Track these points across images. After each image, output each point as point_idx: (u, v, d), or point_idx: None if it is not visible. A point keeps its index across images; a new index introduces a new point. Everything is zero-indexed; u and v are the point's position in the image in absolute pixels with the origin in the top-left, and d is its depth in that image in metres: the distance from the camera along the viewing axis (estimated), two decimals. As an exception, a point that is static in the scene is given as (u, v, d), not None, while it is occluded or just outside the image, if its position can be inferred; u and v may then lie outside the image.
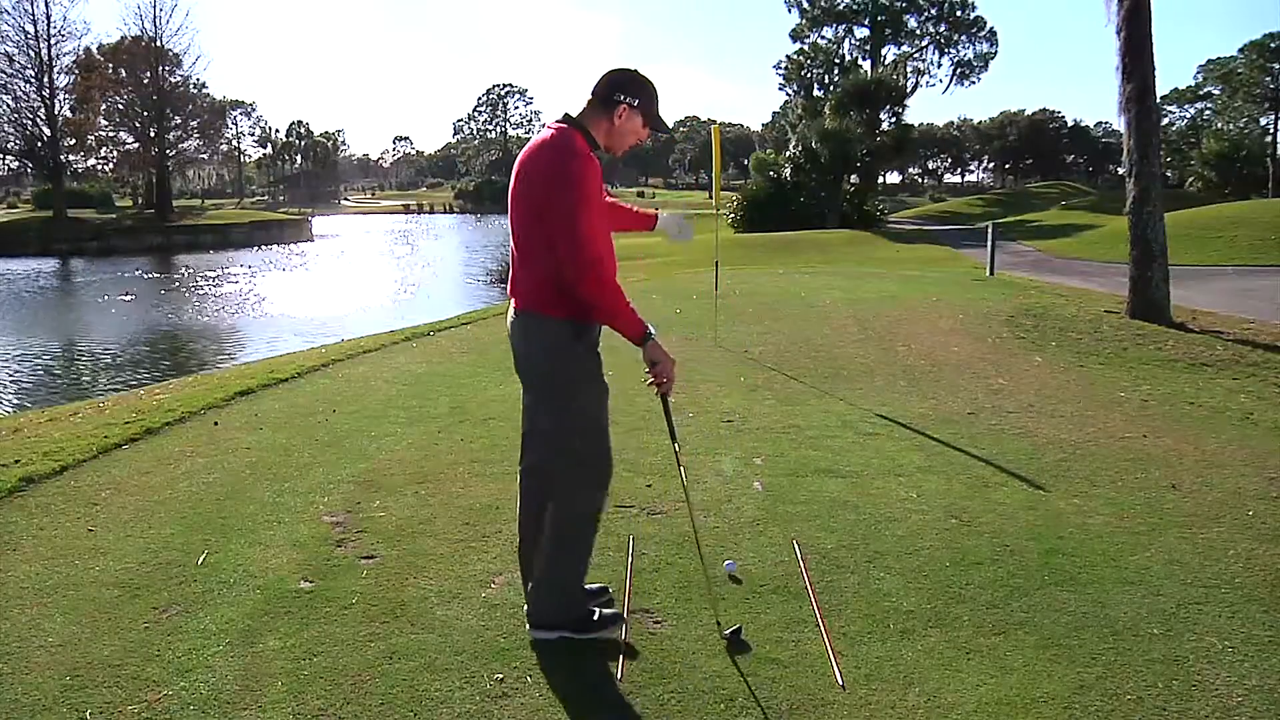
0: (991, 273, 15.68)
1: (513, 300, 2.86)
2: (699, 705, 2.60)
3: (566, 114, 2.77)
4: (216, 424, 5.56)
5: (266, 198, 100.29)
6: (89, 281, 31.51)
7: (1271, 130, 61.73)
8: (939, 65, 53.07)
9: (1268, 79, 61.31)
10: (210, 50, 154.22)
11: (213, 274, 31.58)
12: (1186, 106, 71.81)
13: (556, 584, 2.89)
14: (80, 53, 49.48)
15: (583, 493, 2.87)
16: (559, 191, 2.60)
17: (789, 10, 52.29)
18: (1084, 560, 3.57)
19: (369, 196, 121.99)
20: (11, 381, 14.28)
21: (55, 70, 47.79)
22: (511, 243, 2.83)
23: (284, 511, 4.04)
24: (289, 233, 51.59)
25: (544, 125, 2.83)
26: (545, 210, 2.63)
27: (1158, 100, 10.40)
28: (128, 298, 24.86)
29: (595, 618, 2.94)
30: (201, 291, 26.43)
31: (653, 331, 2.73)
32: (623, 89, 2.76)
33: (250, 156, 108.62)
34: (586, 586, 3.14)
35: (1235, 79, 63.96)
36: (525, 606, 2.99)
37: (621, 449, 4.84)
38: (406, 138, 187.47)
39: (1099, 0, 10.61)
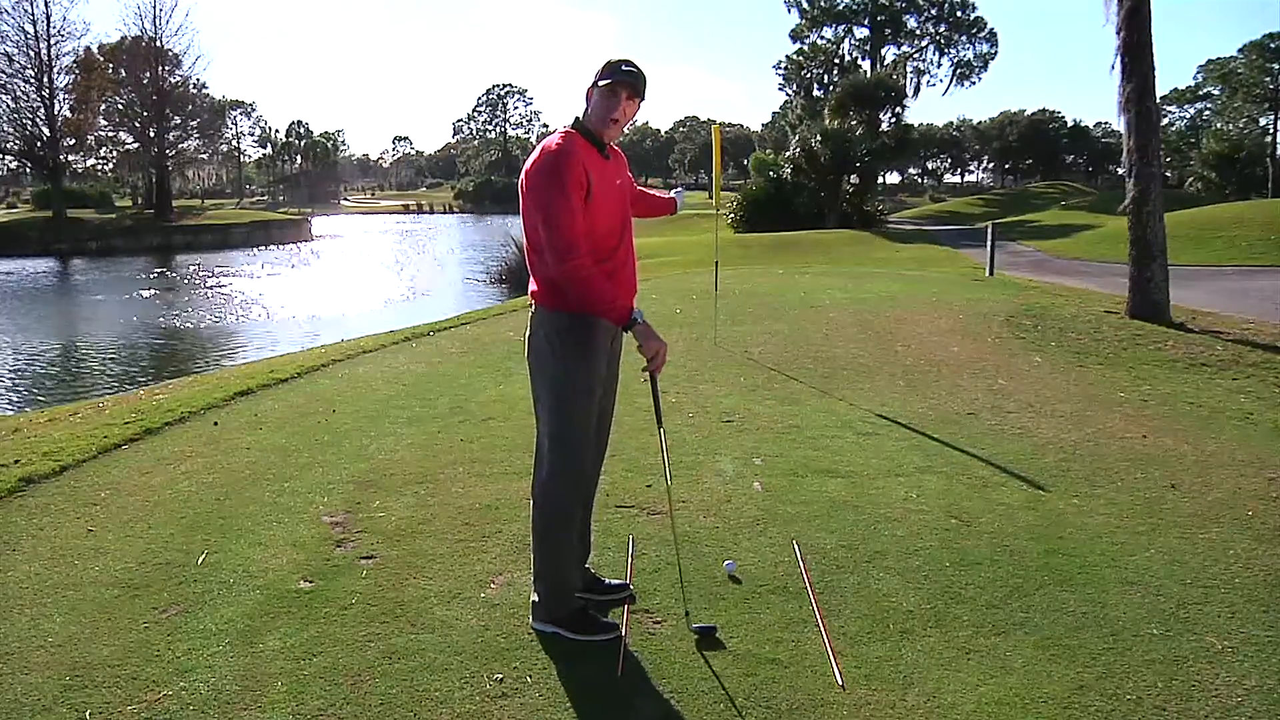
0: (991, 273, 15.69)
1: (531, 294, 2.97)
2: (699, 705, 2.60)
3: (576, 117, 2.89)
4: (216, 424, 5.56)
5: (266, 198, 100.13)
6: (90, 281, 31.53)
7: (1271, 130, 61.71)
8: (939, 65, 53.08)
9: (1267, 79, 61.28)
10: (210, 50, 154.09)
11: (213, 273, 31.60)
12: (1186, 106, 71.82)
13: (541, 576, 2.98)
14: (80, 53, 49.48)
15: (556, 488, 2.92)
16: (540, 184, 2.71)
17: (789, 10, 52.27)
18: (1084, 560, 3.57)
19: (369, 196, 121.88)
20: (12, 381, 14.29)
21: (55, 70, 47.72)
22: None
23: (284, 511, 4.05)
24: (289, 233, 51.57)
25: (546, 125, 2.90)
26: (533, 204, 2.74)
27: (1157, 100, 10.39)
28: (147, 294, 25.10)
29: (591, 621, 2.96)
30: (203, 290, 26.45)
31: (638, 317, 2.75)
32: (598, 75, 2.83)
33: (250, 156, 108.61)
34: (610, 582, 3.24)
35: (1235, 79, 63.93)
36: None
37: (621, 449, 4.86)
38: (406, 138, 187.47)
39: (1099, 0, 10.60)
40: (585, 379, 2.87)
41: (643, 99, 2.87)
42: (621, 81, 2.80)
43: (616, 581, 3.27)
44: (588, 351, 2.85)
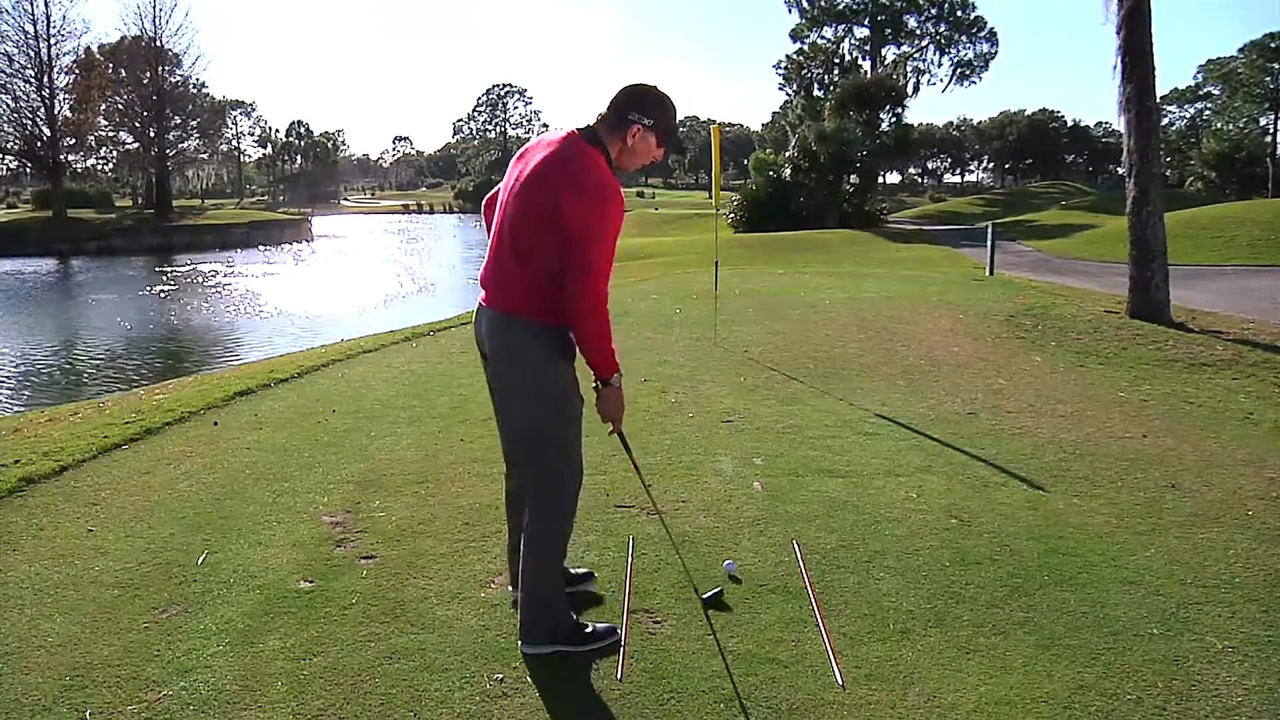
0: (991, 272, 15.67)
1: (495, 300, 2.79)
2: (699, 705, 2.60)
3: (590, 127, 2.71)
4: (216, 424, 5.56)
5: (266, 198, 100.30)
6: (90, 281, 31.52)
7: (1271, 130, 61.76)
8: (939, 65, 53.07)
9: (1268, 79, 61.32)
10: (210, 50, 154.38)
11: (213, 273, 31.61)
12: (1186, 106, 71.88)
13: (538, 595, 2.85)
14: (80, 52, 49.43)
15: (560, 507, 2.85)
16: (593, 227, 2.55)
17: (789, 10, 52.25)
18: (1084, 560, 3.58)
19: (369, 196, 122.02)
20: (12, 381, 14.28)
21: (55, 70, 47.67)
22: (497, 238, 2.77)
23: (284, 511, 4.05)
24: (288, 233, 51.55)
25: (546, 125, 2.86)
26: (568, 224, 2.55)
27: (1158, 100, 10.39)
28: (162, 291, 25.28)
29: (588, 630, 2.91)
30: (203, 290, 26.45)
31: (615, 380, 2.73)
32: (637, 107, 2.71)
33: (250, 156, 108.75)
34: (572, 570, 3.20)
35: (1235, 79, 63.98)
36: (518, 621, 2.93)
37: (622, 449, 4.86)
38: (406, 138, 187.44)
39: (1099, 0, 10.60)
40: (576, 382, 2.81)
41: None
42: (672, 145, 2.84)
43: (581, 570, 3.29)
44: (573, 356, 2.78)
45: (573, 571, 3.24)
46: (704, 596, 3.16)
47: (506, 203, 2.73)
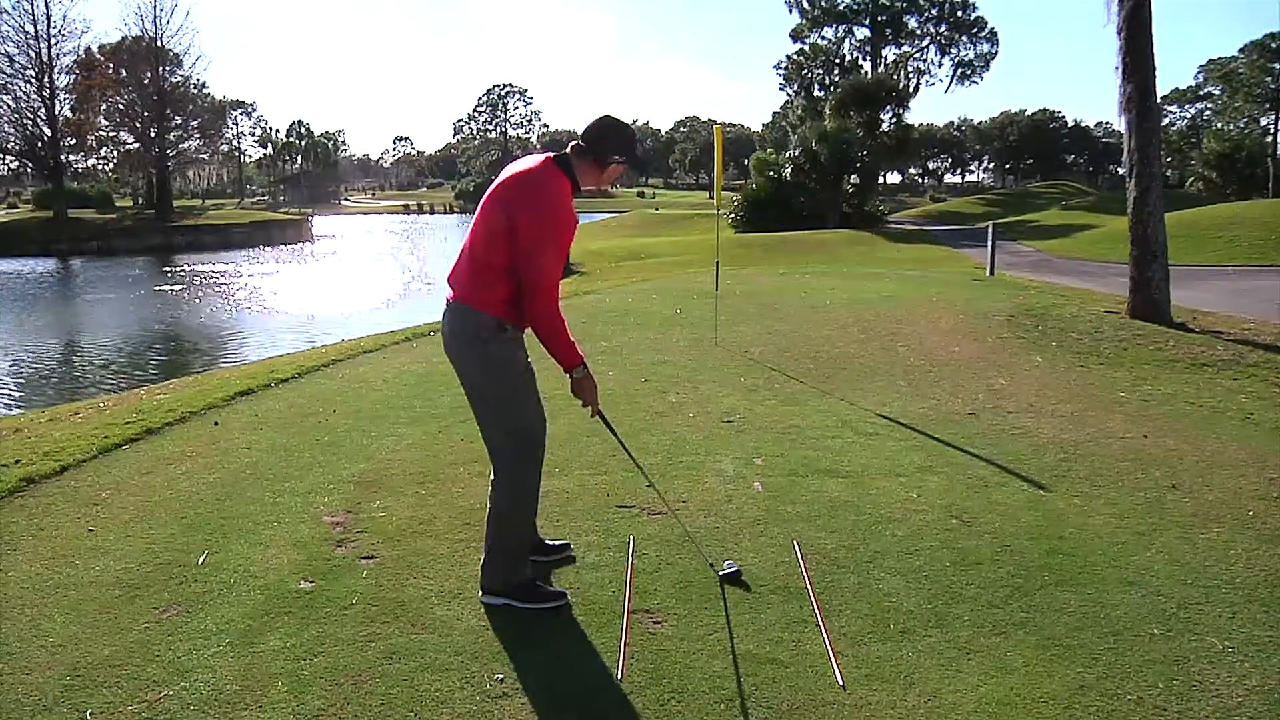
0: (992, 273, 15.66)
1: (453, 294, 3.10)
2: (699, 705, 2.60)
3: (562, 154, 3.01)
4: (217, 424, 5.56)
5: (267, 198, 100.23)
6: (90, 282, 31.53)
7: (1272, 130, 61.68)
8: (939, 65, 53.06)
9: (1268, 79, 61.26)
10: (210, 50, 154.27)
11: (214, 273, 31.62)
12: (1186, 106, 71.85)
13: (498, 554, 3.15)
14: (80, 52, 49.48)
15: (517, 468, 3.11)
16: (544, 244, 2.90)
17: (789, 10, 52.29)
18: (1084, 560, 3.57)
19: (369, 196, 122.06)
20: (13, 381, 14.29)
21: (55, 70, 47.75)
22: (464, 247, 3.09)
23: (284, 511, 4.05)
24: (289, 233, 51.57)
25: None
26: (522, 240, 2.88)
27: (1158, 100, 10.38)
28: (164, 290, 25.36)
29: (539, 592, 3.15)
30: (203, 290, 26.46)
31: (578, 373, 3.05)
32: (617, 149, 3.04)
33: (250, 156, 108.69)
34: (550, 542, 3.48)
35: (1235, 79, 63.93)
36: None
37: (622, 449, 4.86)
38: (406, 138, 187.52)
39: (1099, 0, 10.61)
40: (526, 363, 3.10)
41: None
42: (634, 163, 3.13)
43: (558, 542, 3.56)
44: (520, 342, 3.08)
45: (551, 543, 3.51)
46: (720, 573, 3.34)
47: (477, 218, 3.05)
